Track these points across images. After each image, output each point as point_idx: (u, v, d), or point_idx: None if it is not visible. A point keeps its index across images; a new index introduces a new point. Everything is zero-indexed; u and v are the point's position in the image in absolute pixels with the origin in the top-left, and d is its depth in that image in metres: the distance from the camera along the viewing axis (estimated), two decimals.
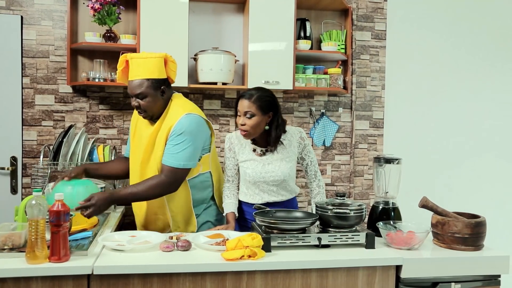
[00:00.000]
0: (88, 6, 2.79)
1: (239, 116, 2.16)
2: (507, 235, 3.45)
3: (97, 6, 2.72)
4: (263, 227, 1.87)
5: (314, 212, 1.99)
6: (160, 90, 2.10)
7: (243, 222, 2.32)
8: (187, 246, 1.77)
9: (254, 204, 2.17)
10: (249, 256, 1.67)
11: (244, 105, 2.13)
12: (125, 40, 2.84)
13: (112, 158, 2.73)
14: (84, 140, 2.65)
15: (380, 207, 2.08)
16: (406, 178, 2.38)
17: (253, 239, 1.69)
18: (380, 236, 1.94)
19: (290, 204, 2.29)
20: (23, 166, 2.96)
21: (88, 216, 1.89)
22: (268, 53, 2.91)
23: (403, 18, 3.42)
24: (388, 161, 2.11)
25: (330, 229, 1.88)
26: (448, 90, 3.51)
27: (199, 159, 2.17)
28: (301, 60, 3.17)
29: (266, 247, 1.75)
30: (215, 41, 3.11)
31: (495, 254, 1.84)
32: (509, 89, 3.60)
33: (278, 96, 3.21)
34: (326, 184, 3.31)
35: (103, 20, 2.79)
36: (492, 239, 2.24)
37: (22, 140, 2.95)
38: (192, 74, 2.98)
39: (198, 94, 3.16)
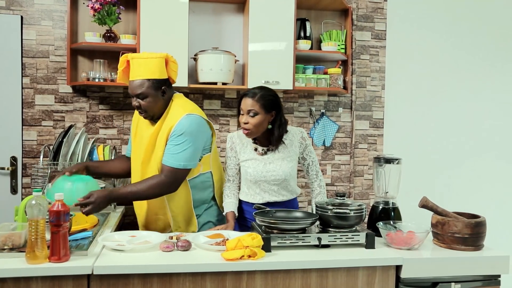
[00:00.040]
0: (88, 6, 2.79)
1: (242, 114, 2.17)
2: (507, 235, 3.45)
3: (97, 6, 2.72)
4: (263, 227, 1.87)
5: (314, 212, 1.99)
6: (161, 90, 2.10)
7: (242, 221, 2.32)
8: (187, 246, 1.77)
9: (254, 203, 2.18)
10: (249, 256, 1.67)
11: (248, 103, 2.14)
12: (125, 40, 2.84)
13: (112, 158, 2.73)
14: (84, 140, 2.65)
15: (380, 207, 2.08)
16: (406, 178, 2.38)
17: (253, 239, 1.70)
18: (380, 236, 1.94)
19: (291, 205, 2.29)
20: (23, 166, 2.96)
21: (87, 214, 1.90)
22: (268, 53, 2.91)
23: (403, 18, 3.42)
24: (388, 161, 2.11)
25: (330, 229, 1.88)
26: (448, 90, 3.51)
27: (200, 159, 2.17)
28: (301, 60, 3.17)
29: (266, 247, 1.75)
30: (215, 41, 3.11)
31: (495, 254, 1.84)
32: (509, 89, 3.60)
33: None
34: (326, 184, 3.30)
35: (103, 20, 2.78)
36: (492, 239, 2.24)
37: (22, 140, 2.95)
38: (192, 74, 2.98)
39: (198, 94, 3.16)
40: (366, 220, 2.07)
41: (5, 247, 1.66)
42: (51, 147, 2.67)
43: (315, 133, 3.27)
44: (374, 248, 1.85)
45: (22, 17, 2.92)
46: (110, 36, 2.84)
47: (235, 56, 2.98)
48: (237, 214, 2.25)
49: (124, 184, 2.77)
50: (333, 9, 3.26)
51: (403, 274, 1.77)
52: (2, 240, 1.66)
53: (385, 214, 2.06)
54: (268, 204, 2.21)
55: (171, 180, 2.05)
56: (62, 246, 1.57)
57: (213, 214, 2.29)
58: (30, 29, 2.94)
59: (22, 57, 2.93)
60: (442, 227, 1.89)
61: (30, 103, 2.96)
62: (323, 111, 3.31)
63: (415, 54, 3.44)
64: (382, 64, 3.40)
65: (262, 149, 2.24)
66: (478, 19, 3.52)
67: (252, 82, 2.85)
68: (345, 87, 3.26)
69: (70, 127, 2.68)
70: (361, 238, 1.85)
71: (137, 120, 2.26)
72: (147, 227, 2.27)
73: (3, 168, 2.93)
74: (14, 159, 2.94)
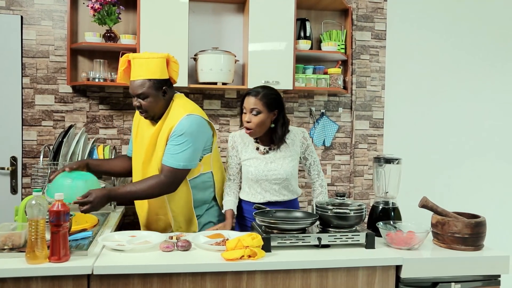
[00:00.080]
0: (88, 6, 2.79)
1: (245, 113, 2.18)
2: (507, 235, 3.45)
3: (97, 6, 2.72)
4: (263, 227, 1.87)
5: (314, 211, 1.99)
6: (162, 91, 2.10)
7: (243, 221, 2.32)
8: (187, 246, 1.77)
9: (255, 203, 2.18)
10: (249, 256, 1.67)
11: (250, 102, 2.15)
12: (125, 40, 2.84)
13: (113, 158, 2.73)
14: (84, 140, 2.65)
15: (380, 207, 2.08)
16: (406, 178, 2.38)
17: (253, 239, 1.70)
18: (380, 236, 1.94)
19: (291, 205, 2.29)
20: (23, 166, 2.95)
21: (85, 212, 1.91)
22: (268, 53, 2.91)
23: (403, 18, 3.42)
24: (388, 161, 2.11)
25: (330, 229, 1.88)
26: (448, 90, 3.51)
27: (200, 159, 2.17)
28: (301, 60, 3.17)
29: (266, 247, 1.75)
30: (215, 41, 3.11)
31: (495, 254, 1.85)
32: (509, 89, 3.60)
33: None
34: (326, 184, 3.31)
35: (103, 20, 2.78)
36: (492, 239, 2.24)
37: (22, 140, 2.95)
38: (192, 74, 2.98)
39: (198, 94, 3.16)
40: (366, 220, 2.07)
41: (5, 247, 1.66)
42: (51, 147, 2.67)
43: (315, 133, 3.27)
44: (374, 248, 1.85)
45: (22, 17, 2.92)
46: (110, 36, 2.84)
47: (235, 56, 2.98)
48: (236, 213, 2.25)
49: (123, 184, 2.77)
50: (333, 9, 3.26)
51: (403, 274, 1.77)
52: (2, 240, 1.66)
53: (385, 214, 2.06)
54: (269, 203, 2.22)
55: (171, 180, 2.05)
56: (62, 246, 1.57)
57: (214, 215, 2.29)
58: (30, 29, 2.94)
59: (22, 57, 2.93)
60: (442, 227, 1.89)
61: (30, 103, 2.96)
62: (323, 111, 3.31)
63: (415, 54, 3.44)
64: (382, 64, 3.40)
65: (264, 148, 2.25)
66: (478, 19, 3.52)
67: (252, 82, 2.85)
68: (345, 87, 3.26)
69: (70, 127, 2.68)
70: (361, 238, 1.85)
71: (138, 120, 2.26)
72: (148, 227, 2.27)
73: (3, 168, 2.93)
74: (14, 159, 2.94)
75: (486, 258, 1.83)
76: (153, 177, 2.06)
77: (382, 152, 3.42)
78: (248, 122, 2.15)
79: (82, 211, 1.90)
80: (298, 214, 2.00)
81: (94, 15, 2.76)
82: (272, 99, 2.17)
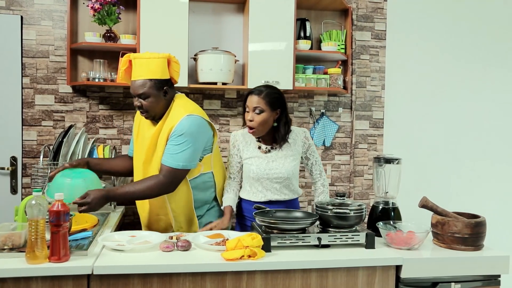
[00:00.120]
0: (88, 6, 2.79)
1: (248, 112, 2.19)
2: (507, 235, 3.45)
3: (97, 6, 2.72)
4: (263, 227, 1.87)
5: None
6: (163, 91, 2.10)
7: (243, 220, 2.32)
8: (187, 246, 1.77)
9: (256, 202, 2.19)
10: (249, 256, 1.67)
11: (254, 100, 2.16)
12: (125, 40, 2.84)
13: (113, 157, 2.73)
14: (84, 140, 2.65)
15: (380, 207, 2.08)
16: (406, 178, 2.38)
17: (253, 239, 1.70)
18: (380, 236, 1.94)
19: (292, 205, 2.29)
20: (23, 166, 2.95)
21: (83, 212, 1.92)
22: (268, 53, 2.91)
23: (403, 18, 3.42)
24: (388, 161, 2.11)
25: (330, 229, 1.88)
26: (448, 90, 3.51)
27: (201, 160, 2.17)
28: (301, 60, 3.17)
29: (266, 247, 1.75)
30: (215, 41, 3.11)
31: (495, 254, 1.85)
32: (509, 89, 3.60)
33: None
34: None
35: (103, 20, 2.78)
36: (492, 239, 2.24)
37: (22, 140, 2.95)
38: (192, 74, 2.98)
39: (198, 94, 3.16)
40: (366, 220, 2.07)
41: (5, 247, 1.66)
42: (51, 147, 2.67)
43: (315, 133, 3.27)
44: (374, 248, 1.85)
45: (22, 17, 2.92)
46: (110, 36, 2.84)
47: (235, 56, 2.98)
48: (235, 210, 2.26)
49: (123, 184, 2.77)
50: (333, 9, 3.26)
51: (403, 274, 1.77)
52: (2, 240, 1.66)
53: (385, 214, 2.06)
54: (269, 203, 2.22)
55: (169, 181, 2.05)
56: (62, 246, 1.57)
57: (215, 215, 2.29)
58: (30, 29, 2.94)
59: (22, 57, 2.93)
60: (442, 227, 1.89)
61: (30, 103, 2.96)
62: (323, 111, 3.31)
63: (415, 54, 3.44)
64: (382, 64, 3.40)
65: (266, 147, 2.26)
66: (478, 19, 3.52)
67: (252, 82, 2.85)
68: (345, 87, 3.26)
69: (70, 127, 2.68)
70: (361, 238, 1.85)
71: (139, 120, 2.26)
72: (149, 228, 2.27)
73: (3, 168, 2.93)
74: (14, 159, 2.94)
75: (486, 258, 1.83)
76: (152, 177, 2.06)
77: (382, 152, 3.42)
78: (250, 120, 2.17)
79: (80, 212, 1.90)
80: (298, 214, 2.00)
81: (94, 15, 2.76)
82: (275, 98, 2.19)
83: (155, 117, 2.14)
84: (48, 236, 1.60)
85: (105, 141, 3.06)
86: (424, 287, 1.80)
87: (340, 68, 3.21)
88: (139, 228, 2.34)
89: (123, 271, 1.60)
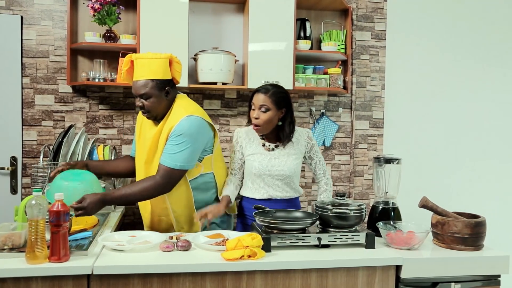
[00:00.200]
0: (88, 6, 2.79)
1: (253, 110, 2.22)
2: (507, 235, 3.45)
3: (97, 6, 2.72)
4: (263, 227, 1.87)
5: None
6: (165, 91, 2.11)
7: (244, 220, 2.33)
8: (187, 246, 1.77)
9: (257, 199, 2.21)
10: (249, 256, 1.67)
11: (260, 99, 2.19)
12: (125, 40, 2.84)
13: (112, 158, 2.73)
14: (84, 140, 2.65)
15: (380, 207, 2.08)
16: (406, 178, 2.38)
17: (253, 239, 1.70)
18: (380, 236, 1.94)
19: (293, 203, 2.31)
20: (23, 166, 2.95)
21: (79, 216, 1.91)
22: (268, 53, 2.90)
23: (403, 18, 3.42)
24: (388, 161, 2.11)
25: (330, 229, 1.88)
26: (448, 90, 3.51)
27: (201, 160, 2.17)
28: (301, 60, 3.17)
29: (266, 247, 1.75)
30: (215, 41, 3.11)
31: (495, 254, 1.85)
32: (509, 89, 3.60)
33: None
34: None
35: (103, 20, 2.78)
36: (492, 239, 2.24)
37: (22, 140, 2.95)
38: (192, 74, 2.98)
39: (198, 94, 3.16)
40: (366, 220, 2.07)
41: (5, 247, 1.66)
42: (51, 147, 2.67)
43: (315, 133, 3.27)
44: (374, 248, 1.85)
45: (22, 17, 2.92)
46: (110, 36, 2.84)
47: (235, 56, 2.98)
48: (233, 202, 2.25)
49: (124, 185, 2.77)
50: (333, 9, 3.26)
51: (403, 274, 1.77)
52: (2, 240, 1.66)
53: (385, 214, 2.06)
54: (271, 200, 2.23)
55: (166, 181, 2.04)
56: (62, 246, 1.57)
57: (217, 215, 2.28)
58: (30, 29, 2.94)
59: (22, 57, 2.93)
60: (442, 227, 1.89)
61: (30, 103, 2.96)
62: (323, 111, 3.31)
63: (415, 54, 3.44)
64: (382, 64, 3.40)
65: (269, 145, 2.27)
66: (478, 19, 3.52)
67: (252, 82, 2.85)
68: (345, 87, 3.26)
69: (70, 127, 2.68)
70: (361, 238, 1.85)
71: (141, 120, 2.26)
72: (151, 228, 2.28)
73: (3, 168, 2.93)
74: (14, 159, 2.94)
75: (486, 258, 1.83)
76: (148, 178, 2.06)
77: (382, 152, 3.42)
78: (256, 118, 2.19)
79: (76, 216, 1.90)
80: (298, 214, 2.00)
81: (94, 15, 2.76)
82: (281, 97, 2.22)
83: (157, 117, 2.14)
84: (48, 236, 1.60)
85: (105, 141, 3.06)
86: (424, 287, 1.80)
87: (340, 68, 3.21)
88: (139, 228, 2.34)
89: (123, 271, 1.60)
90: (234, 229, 2.36)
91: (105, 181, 2.60)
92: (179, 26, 2.78)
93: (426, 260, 1.80)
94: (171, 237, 1.84)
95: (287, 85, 2.91)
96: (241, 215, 2.36)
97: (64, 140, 2.56)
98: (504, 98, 3.59)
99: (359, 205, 1.91)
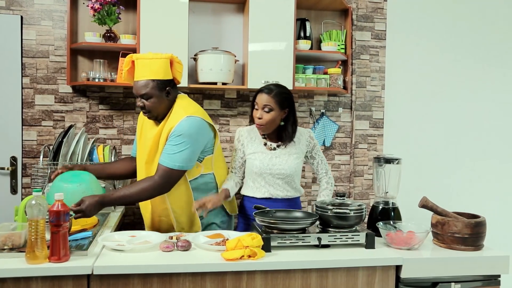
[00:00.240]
0: (88, 6, 2.79)
1: (256, 109, 2.23)
2: (507, 235, 3.45)
3: (97, 6, 2.72)
4: (263, 227, 1.87)
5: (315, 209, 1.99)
6: (165, 91, 2.11)
7: (245, 219, 2.33)
8: (187, 246, 1.77)
9: (258, 197, 2.22)
10: (249, 256, 1.67)
11: (263, 98, 2.19)
12: (125, 40, 2.84)
13: (112, 158, 2.74)
14: (84, 140, 2.65)
15: (380, 207, 2.08)
16: (406, 178, 2.38)
17: (253, 239, 1.70)
18: (380, 236, 1.94)
19: (294, 202, 2.31)
20: (23, 166, 2.95)
21: (77, 219, 1.91)
22: (268, 53, 2.90)
23: (403, 18, 3.42)
24: (388, 161, 2.11)
25: (330, 229, 1.88)
26: (448, 90, 3.51)
27: (201, 161, 2.17)
28: (301, 60, 3.17)
29: (266, 247, 1.75)
30: (215, 41, 3.11)
31: (495, 254, 1.85)
32: (509, 89, 3.60)
33: None
34: None
35: (103, 20, 2.78)
36: (492, 239, 2.24)
37: (22, 140, 2.95)
38: (192, 74, 2.98)
39: (198, 94, 3.16)
40: (366, 220, 2.07)
41: (5, 247, 1.66)
42: (51, 147, 2.66)
43: (315, 133, 3.26)
44: (374, 248, 1.85)
45: (22, 17, 2.92)
46: (110, 36, 2.84)
47: (235, 56, 2.98)
48: (231, 196, 2.25)
49: (124, 185, 2.77)
50: (333, 9, 3.26)
51: (403, 274, 1.77)
52: (2, 240, 1.66)
53: (385, 214, 2.06)
54: (271, 199, 2.24)
55: (164, 181, 2.04)
56: (62, 246, 1.57)
57: (217, 216, 2.29)
58: (30, 29, 2.94)
59: (22, 57, 2.93)
60: (442, 227, 1.89)
61: (30, 103, 2.96)
62: (323, 111, 3.31)
63: (415, 54, 3.44)
64: (382, 64, 3.40)
65: (271, 144, 2.28)
66: (478, 19, 3.52)
67: (252, 82, 2.85)
68: (345, 87, 3.26)
69: (70, 127, 2.68)
70: (361, 238, 1.85)
71: (142, 121, 2.27)
72: (152, 228, 2.28)
73: (3, 168, 2.93)
74: (14, 159, 2.94)
75: (486, 258, 1.83)
76: (147, 179, 2.06)
77: (382, 152, 3.42)
78: (259, 118, 2.20)
79: (75, 218, 1.90)
80: (298, 214, 2.00)
81: (94, 15, 2.76)
82: (284, 97, 2.22)
83: (158, 117, 2.15)
84: (48, 236, 1.60)
85: (105, 141, 3.06)
86: (424, 287, 1.80)
87: (340, 68, 3.21)
88: (139, 228, 2.35)
89: (123, 271, 1.60)
90: (235, 229, 2.36)
91: (105, 181, 2.60)
92: (179, 26, 2.78)
93: (426, 260, 1.80)
94: (171, 237, 1.84)
95: (287, 85, 2.88)
96: (243, 214, 2.36)
97: (64, 140, 2.56)
98: (504, 98, 3.59)
99: (359, 205, 1.91)
